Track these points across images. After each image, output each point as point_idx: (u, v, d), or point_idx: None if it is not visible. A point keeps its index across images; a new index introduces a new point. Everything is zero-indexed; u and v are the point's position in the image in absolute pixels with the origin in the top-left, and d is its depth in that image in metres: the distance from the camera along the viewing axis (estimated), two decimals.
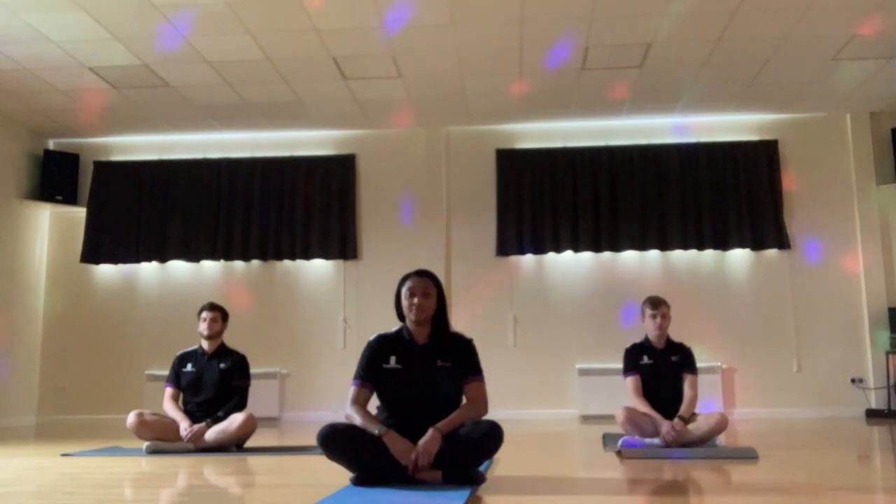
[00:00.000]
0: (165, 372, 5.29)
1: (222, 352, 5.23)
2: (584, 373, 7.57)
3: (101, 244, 8.15)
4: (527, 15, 5.74)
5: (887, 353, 7.39)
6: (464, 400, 3.49)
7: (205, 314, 5.22)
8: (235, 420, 4.91)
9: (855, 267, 7.70)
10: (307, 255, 8.04)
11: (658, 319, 4.77)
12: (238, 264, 8.15)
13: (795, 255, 7.77)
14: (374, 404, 3.52)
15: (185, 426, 4.92)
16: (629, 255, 7.86)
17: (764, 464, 3.95)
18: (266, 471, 4.02)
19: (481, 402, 3.45)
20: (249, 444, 5.11)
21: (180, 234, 8.12)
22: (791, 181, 7.86)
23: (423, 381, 3.45)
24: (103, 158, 8.37)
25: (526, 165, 7.97)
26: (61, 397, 8.05)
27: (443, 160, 8.11)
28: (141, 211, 8.21)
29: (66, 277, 8.25)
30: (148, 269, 8.22)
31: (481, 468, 3.37)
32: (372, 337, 3.58)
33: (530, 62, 6.55)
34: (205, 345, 5.23)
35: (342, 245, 8.02)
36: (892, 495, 3.01)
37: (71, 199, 8.19)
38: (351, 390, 3.48)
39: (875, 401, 7.42)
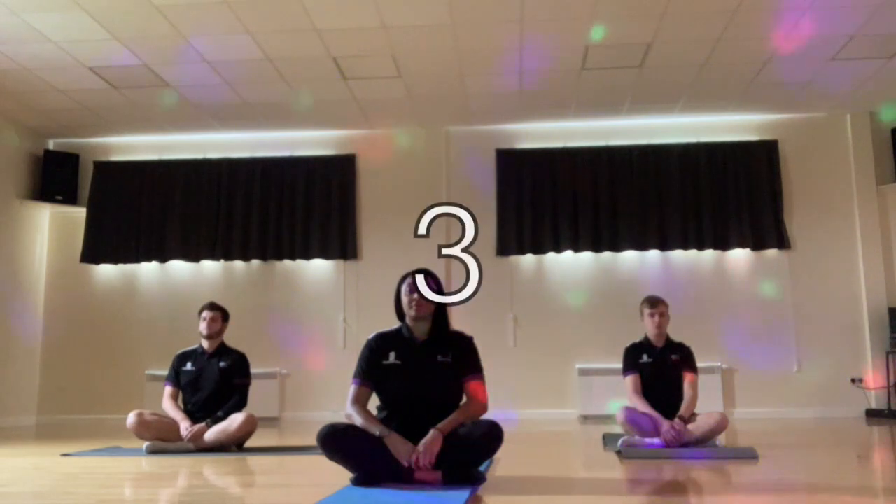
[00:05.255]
0: (165, 372, 5.29)
1: (222, 351, 5.23)
2: (584, 373, 7.57)
3: (101, 244, 8.15)
4: (527, 15, 5.74)
5: (887, 353, 7.39)
6: (464, 398, 3.48)
7: (205, 313, 5.24)
8: (235, 420, 4.91)
9: (855, 267, 7.69)
10: (307, 255, 8.04)
11: (656, 318, 4.81)
12: (238, 264, 8.15)
13: (795, 255, 7.77)
14: (373, 404, 3.52)
15: (185, 426, 4.92)
16: (629, 255, 7.85)
17: (764, 464, 3.95)
18: (266, 471, 4.02)
19: (481, 401, 3.44)
20: (249, 444, 5.11)
21: (180, 234, 8.11)
22: (791, 181, 7.86)
23: (423, 377, 3.43)
24: (103, 158, 8.37)
25: (526, 165, 7.97)
26: (61, 397, 8.05)
27: (443, 160, 8.11)
28: (141, 211, 8.20)
29: (66, 277, 8.25)
30: (148, 269, 8.22)
31: (481, 468, 3.37)
32: (371, 335, 3.57)
33: (530, 62, 6.54)
34: (205, 344, 5.23)
35: (342, 245, 8.01)
36: (892, 495, 3.01)
37: (71, 199, 8.19)
38: (351, 389, 3.47)
39: (875, 401, 7.42)
